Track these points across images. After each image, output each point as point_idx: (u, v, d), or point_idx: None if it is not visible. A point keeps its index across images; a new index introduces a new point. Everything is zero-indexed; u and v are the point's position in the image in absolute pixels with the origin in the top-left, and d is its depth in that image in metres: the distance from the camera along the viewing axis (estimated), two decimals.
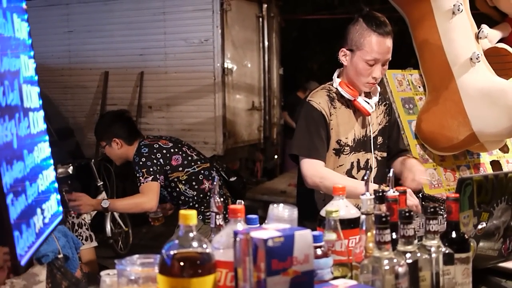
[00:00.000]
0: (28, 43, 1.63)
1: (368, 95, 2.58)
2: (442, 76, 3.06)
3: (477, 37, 3.04)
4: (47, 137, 1.68)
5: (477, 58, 2.92)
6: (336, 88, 2.53)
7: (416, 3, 3.06)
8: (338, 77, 2.57)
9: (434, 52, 3.05)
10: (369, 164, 2.60)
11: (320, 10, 10.14)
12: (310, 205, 2.52)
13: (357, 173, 2.57)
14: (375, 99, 2.58)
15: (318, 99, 2.49)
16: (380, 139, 2.65)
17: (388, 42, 2.44)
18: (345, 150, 2.53)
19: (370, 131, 2.61)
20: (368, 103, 2.54)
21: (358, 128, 2.57)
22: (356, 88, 2.51)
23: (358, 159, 2.58)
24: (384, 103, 2.70)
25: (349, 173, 2.55)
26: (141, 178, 3.19)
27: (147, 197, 3.18)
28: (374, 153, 2.62)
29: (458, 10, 2.93)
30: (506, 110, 2.83)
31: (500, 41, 3.38)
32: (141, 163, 3.23)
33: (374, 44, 2.41)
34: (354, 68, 2.47)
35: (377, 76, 2.46)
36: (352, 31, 2.47)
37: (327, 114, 2.47)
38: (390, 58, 2.49)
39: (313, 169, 2.41)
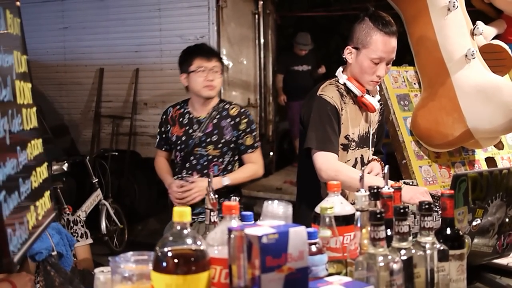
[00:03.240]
0: (21, 39, 1.62)
1: (368, 94, 2.60)
2: (437, 73, 3.06)
3: (473, 34, 3.05)
4: (40, 134, 1.67)
5: (472, 55, 2.92)
6: (344, 84, 2.55)
7: (412, 0, 3.06)
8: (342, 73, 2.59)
9: (430, 49, 3.05)
10: (368, 160, 2.66)
11: (315, 7, 10.13)
12: (314, 201, 2.53)
13: (361, 168, 2.60)
14: (378, 97, 2.62)
15: (331, 93, 2.50)
16: (375, 136, 2.71)
17: (393, 41, 2.47)
18: (351, 146, 2.57)
19: (371, 127, 2.66)
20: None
21: (362, 124, 2.61)
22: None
23: (362, 155, 2.63)
24: (380, 102, 2.73)
25: None
26: (255, 141, 3.08)
27: (259, 164, 3.12)
28: (371, 150, 2.68)
29: (454, 6, 2.93)
30: (501, 106, 2.83)
31: (495, 37, 3.38)
32: (253, 125, 3.10)
33: (380, 43, 2.44)
34: (359, 66, 2.50)
35: (381, 75, 2.50)
36: (358, 30, 2.49)
37: (339, 109, 2.50)
38: (394, 58, 2.52)
39: (328, 162, 2.40)
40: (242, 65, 7.18)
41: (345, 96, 2.54)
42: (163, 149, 3.19)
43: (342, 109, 2.51)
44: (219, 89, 3.10)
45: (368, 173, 2.55)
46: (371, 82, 2.52)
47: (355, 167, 2.59)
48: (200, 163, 3.02)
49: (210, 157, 3.01)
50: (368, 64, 2.47)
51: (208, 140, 3.00)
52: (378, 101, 2.67)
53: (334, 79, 2.60)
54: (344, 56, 2.55)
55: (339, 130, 2.50)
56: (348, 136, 2.54)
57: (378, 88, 2.65)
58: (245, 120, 3.03)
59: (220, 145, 3.00)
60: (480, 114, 2.91)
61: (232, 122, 3.02)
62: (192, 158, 3.03)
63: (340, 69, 2.61)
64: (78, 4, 7.09)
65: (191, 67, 2.99)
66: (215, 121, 3.02)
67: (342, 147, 2.54)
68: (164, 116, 3.16)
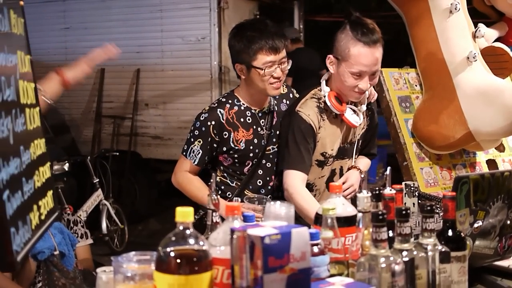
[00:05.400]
0: (24, 39, 1.62)
1: (356, 102, 2.52)
2: (439, 75, 3.06)
3: (474, 36, 3.05)
4: (43, 133, 1.67)
5: (474, 57, 2.92)
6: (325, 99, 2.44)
7: (414, 2, 3.07)
8: (327, 82, 2.47)
9: (431, 51, 3.06)
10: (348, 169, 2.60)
11: (317, 10, 10.14)
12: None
13: (339, 179, 2.55)
14: (363, 107, 2.52)
15: (308, 110, 2.41)
16: (360, 142, 2.62)
17: (376, 52, 2.32)
18: (328, 162, 2.50)
19: (356, 138, 2.57)
20: (355, 112, 2.48)
21: (343, 137, 2.53)
22: (343, 97, 2.44)
23: (341, 166, 2.57)
24: (369, 106, 2.62)
25: (330, 180, 2.52)
26: None
27: None
28: (355, 157, 2.61)
29: (455, 9, 2.94)
30: (502, 109, 2.84)
31: (496, 40, 3.38)
32: None
33: (359, 57, 2.29)
34: (340, 78, 2.38)
35: (363, 88, 2.36)
36: (338, 39, 2.36)
37: (315, 127, 2.41)
38: (380, 69, 2.41)
39: (291, 180, 2.36)
40: None
41: (325, 112, 2.44)
42: (203, 165, 2.51)
43: (319, 128, 2.42)
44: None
45: (343, 183, 2.47)
46: (353, 94, 2.39)
47: (332, 179, 2.53)
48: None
49: None
50: (348, 77, 2.33)
51: (278, 132, 2.54)
52: (367, 106, 2.56)
53: (318, 88, 2.48)
54: (327, 65, 2.42)
55: (314, 147, 2.43)
56: (325, 153, 2.47)
57: (367, 95, 2.52)
58: (294, 92, 2.71)
59: None
60: (482, 117, 2.91)
61: (288, 102, 2.63)
62: (264, 161, 2.54)
63: (325, 77, 2.48)
64: (80, 4, 7.11)
65: (255, 62, 2.39)
66: (276, 108, 2.58)
67: (316, 163, 2.47)
68: (213, 123, 2.45)
